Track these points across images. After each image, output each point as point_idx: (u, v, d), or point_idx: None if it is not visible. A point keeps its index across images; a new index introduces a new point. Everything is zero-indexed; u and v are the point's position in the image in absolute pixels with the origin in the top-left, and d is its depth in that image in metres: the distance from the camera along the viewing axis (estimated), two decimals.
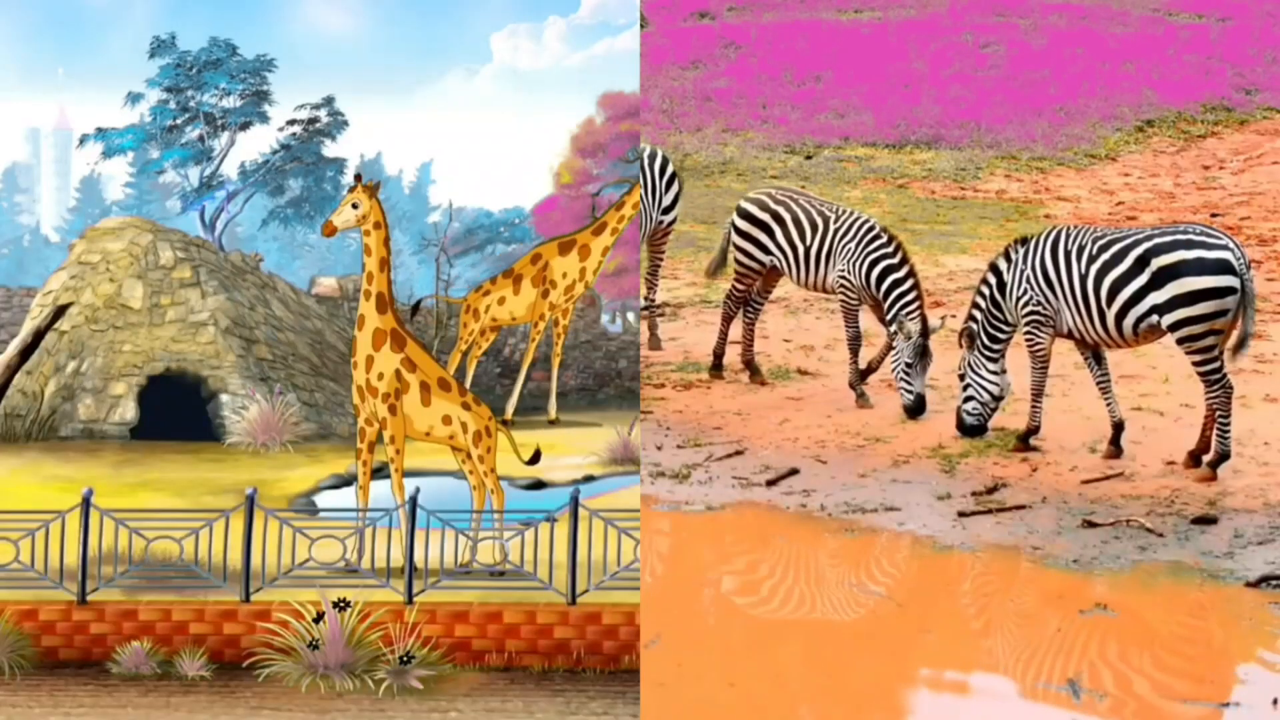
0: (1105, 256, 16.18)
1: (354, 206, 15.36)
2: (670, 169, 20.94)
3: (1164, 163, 27.53)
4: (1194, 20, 35.05)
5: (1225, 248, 15.76)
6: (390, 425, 15.66)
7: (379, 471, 15.92)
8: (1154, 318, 15.94)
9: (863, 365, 18.47)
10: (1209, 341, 15.82)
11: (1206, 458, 16.08)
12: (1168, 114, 29.52)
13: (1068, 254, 16.41)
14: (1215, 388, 15.91)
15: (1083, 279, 16.29)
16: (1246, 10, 34.95)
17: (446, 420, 15.82)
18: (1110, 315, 16.16)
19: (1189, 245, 15.84)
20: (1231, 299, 15.72)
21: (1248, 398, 17.65)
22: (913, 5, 36.32)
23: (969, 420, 17.11)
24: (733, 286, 19.01)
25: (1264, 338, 19.49)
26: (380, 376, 15.68)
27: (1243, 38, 33.21)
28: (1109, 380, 16.65)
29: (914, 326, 17.61)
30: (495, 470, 15.89)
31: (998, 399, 17.07)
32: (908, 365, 17.65)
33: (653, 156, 20.89)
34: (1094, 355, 16.66)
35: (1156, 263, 15.89)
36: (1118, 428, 16.58)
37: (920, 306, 17.82)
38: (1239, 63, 31.76)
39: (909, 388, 17.69)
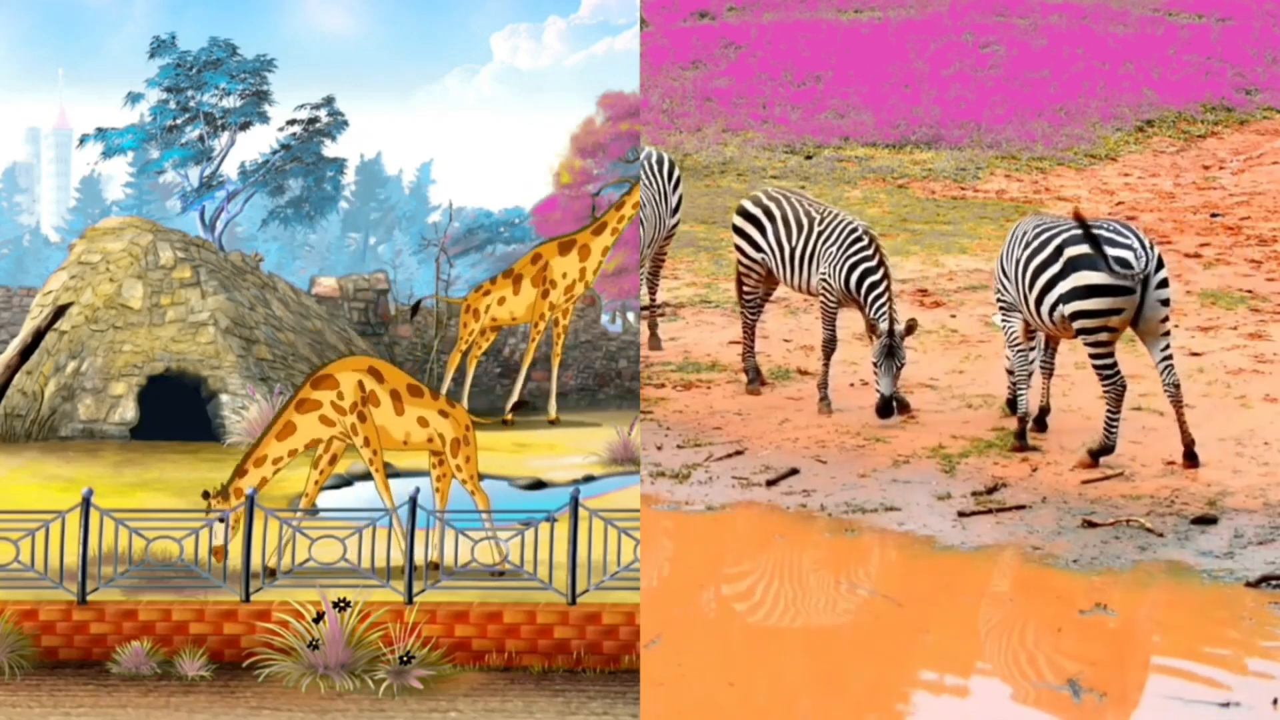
0: (1035, 244, 16.39)
1: None
2: (676, 172, 20.93)
3: (1164, 163, 27.53)
4: (1194, 20, 35.06)
5: (1128, 247, 15.76)
6: (362, 430, 15.66)
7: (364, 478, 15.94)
8: (1061, 307, 16.05)
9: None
10: (1102, 337, 15.97)
11: (1091, 446, 16.25)
12: (1168, 114, 29.53)
13: (1014, 241, 16.69)
14: (1107, 383, 16.09)
15: (1018, 264, 16.55)
16: (1246, 10, 34.98)
17: (422, 423, 15.82)
18: (1032, 300, 16.37)
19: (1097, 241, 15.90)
20: (1125, 299, 15.75)
21: (1248, 398, 17.66)
22: (913, 5, 36.32)
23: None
24: (738, 291, 18.82)
25: (1264, 338, 19.50)
26: (341, 395, 15.69)
27: (1243, 38, 33.22)
28: (1051, 368, 17.28)
29: (883, 326, 17.52)
30: (476, 476, 15.89)
31: (1009, 372, 17.33)
32: (874, 365, 17.57)
33: (660, 161, 20.83)
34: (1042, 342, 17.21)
35: (1068, 253, 16.05)
36: (1040, 411, 17.10)
37: (889, 307, 17.61)
38: (1239, 63, 31.78)
39: (877, 388, 17.65)
